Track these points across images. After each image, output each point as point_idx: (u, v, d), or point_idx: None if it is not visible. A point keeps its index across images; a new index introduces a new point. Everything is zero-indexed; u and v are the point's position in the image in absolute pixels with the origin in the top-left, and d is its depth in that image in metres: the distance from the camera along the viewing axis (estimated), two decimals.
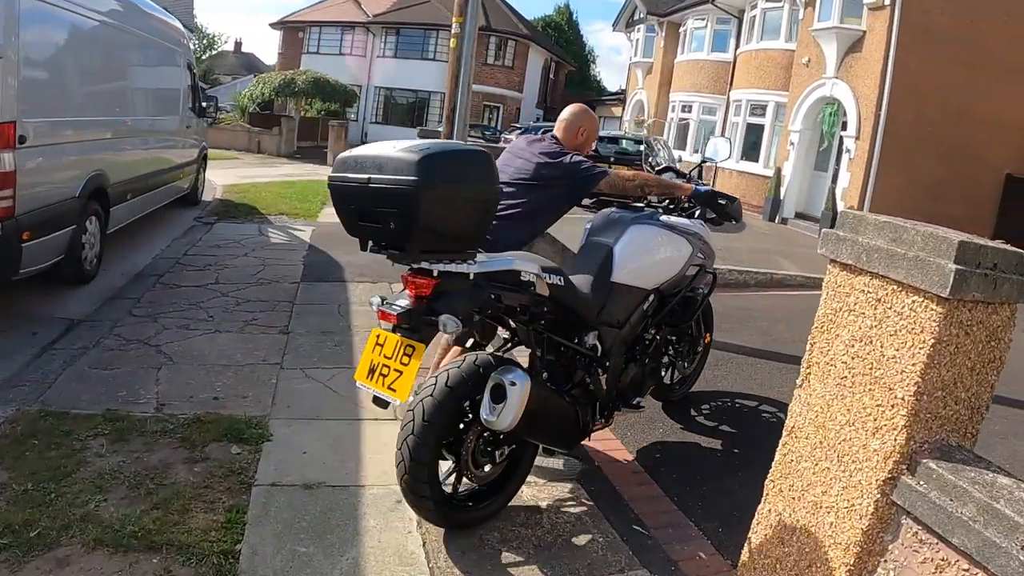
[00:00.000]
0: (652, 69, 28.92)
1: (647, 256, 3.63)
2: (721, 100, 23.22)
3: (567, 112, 3.97)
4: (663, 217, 3.86)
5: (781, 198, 17.63)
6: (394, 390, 2.61)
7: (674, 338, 4.27)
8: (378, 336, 2.71)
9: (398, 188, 2.39)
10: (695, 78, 24.61)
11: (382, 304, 2.68)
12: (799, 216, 17.46)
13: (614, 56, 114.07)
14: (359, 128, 36.80)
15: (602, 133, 19.33)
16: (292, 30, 40.39)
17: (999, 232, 16.58)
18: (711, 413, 4.78)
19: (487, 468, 3.01)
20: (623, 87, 36.19)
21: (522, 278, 2.85)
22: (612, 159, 15.69)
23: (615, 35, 49.03)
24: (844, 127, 16.08)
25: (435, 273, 2.61)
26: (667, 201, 4.05)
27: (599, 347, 3.38)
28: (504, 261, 2.81)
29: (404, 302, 2.65)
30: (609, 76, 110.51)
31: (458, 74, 8.21)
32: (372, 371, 2.69)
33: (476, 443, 2.91)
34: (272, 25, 41.93)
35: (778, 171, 17.79)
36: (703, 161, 4.60)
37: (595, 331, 3.33)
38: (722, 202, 3.88)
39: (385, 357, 2.67)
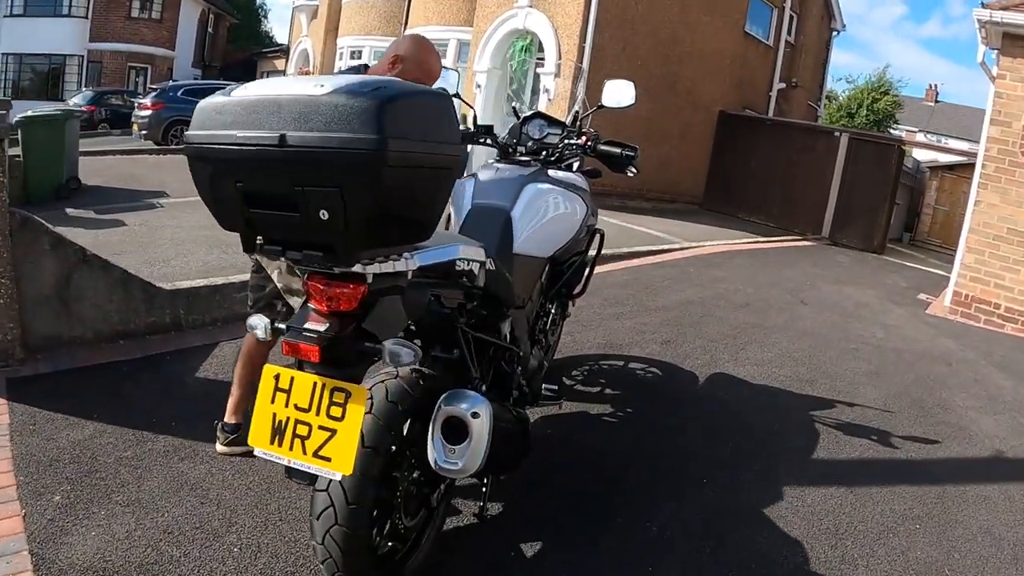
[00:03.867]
0: (318, 13, 25.45)
1: (546, 219, 3.04)
2: None
3: None
4: (553, 173, 3.26)
5: (469, 150, 14.71)
6: (327, 458, 1.82)
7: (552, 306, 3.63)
8: (278, 377, 1.91)
9: (344, 152, 1.57)
10: (365, 19, 21.31)
11: (285, 331, 1.86)
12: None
13: (289, 13, 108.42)
14: None
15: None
16: None
17: (714, 171, 15.45)
18: (585, 377, 4.30)
19: (415, 517, 2.28)
20: (284, 40, 32.15)
21: (457, 267, 2.16)
22: None
23: None
24: (542, 63, 13.58)
25: (368, 278, 1.80)
26: (544, 151, 3.43)
27: (507, 335, 2.78)
28: (448, 249, 2.10)
29: (319, 325, 1.83)
30: (284, 33, 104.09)
31: None
32: (278, 432, 1.89)
33: (407, 485, 2.20)
34: None
35: (463, 117, 14.88)
36: (599, 107, 3.50)
37: (508, 318, 2.75)
38: (628, 152, 3.39)
39: (298, 409, 1.88)
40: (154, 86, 23.61)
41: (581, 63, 12.61)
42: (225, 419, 3.10)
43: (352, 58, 21.82)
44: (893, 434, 3.96)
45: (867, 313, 7.29)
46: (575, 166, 3.57)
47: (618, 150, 3.38)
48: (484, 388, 2.41)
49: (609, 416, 3.79)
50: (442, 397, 2.10)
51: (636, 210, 13.28)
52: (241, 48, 41.79)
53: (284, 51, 30.74)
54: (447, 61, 17.09)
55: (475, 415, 2.08)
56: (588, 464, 3.27)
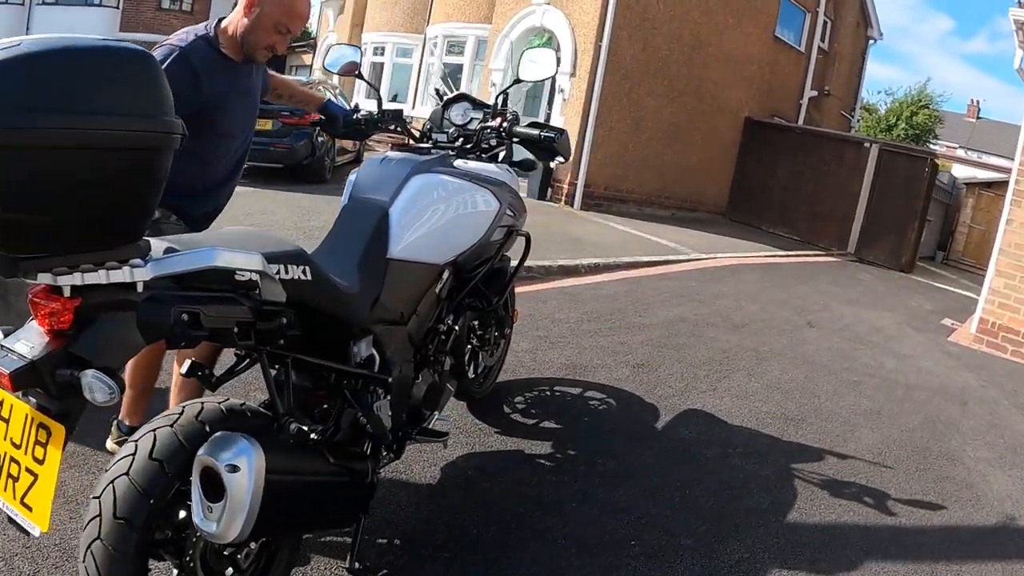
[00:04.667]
0: (344, 7, 25.16)
1: (438, 218, 2.56)
2: (418, 40, 19.66)
3: None
4: (458, 162, 2.79)
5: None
6: (29, 507, 1.52)
7: (477, 322, 3.31)
8: (0, 404, 1.58)
9: None
10: (390, 15, 20.91)
11: None
12: None
13: None
14: None
15: None
16: None
17: (738, 181, 14.81)
18: (528, 406, 3.73)
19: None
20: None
21: (237, 277, 1.70)
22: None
23: None
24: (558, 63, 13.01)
25: (65, 291, 1.45)
26: (462, 139, 2.98)
27: (377, 357, 2.29)
28: (198, 254, 1.65)
29: (27, 344, 1.48)
30: None
31: None
32: None
33: (202, 545, 1.76)
34: None
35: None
36: (516, 82, 3.06)
37: (369, 336, 2.24)
38: (548, 135, 2.89)
39: (13, 444, 1.57)
40: None
41: (597, 63, 12.03)
42: (121, 417, 2.73)
43: (375, 55, 21.40)
44: (883, 493, 3.35)
45: (880, 339, 6.63)
46: (501, 155, 3.08)
47: (536, 132, 2.88)
48: (295, 427, 1.89)
49: (543, 457, 3.22)
50: (208, 439, 1.70)
51: (652, 218, 12.69)
52: None
53: (312, 46, 30.53)
54: (464, 59, 16.62)
55: (232, 469, 1.64)
56: (496, 514, 2.71)
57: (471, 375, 3.54)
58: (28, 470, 1.56)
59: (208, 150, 2.51)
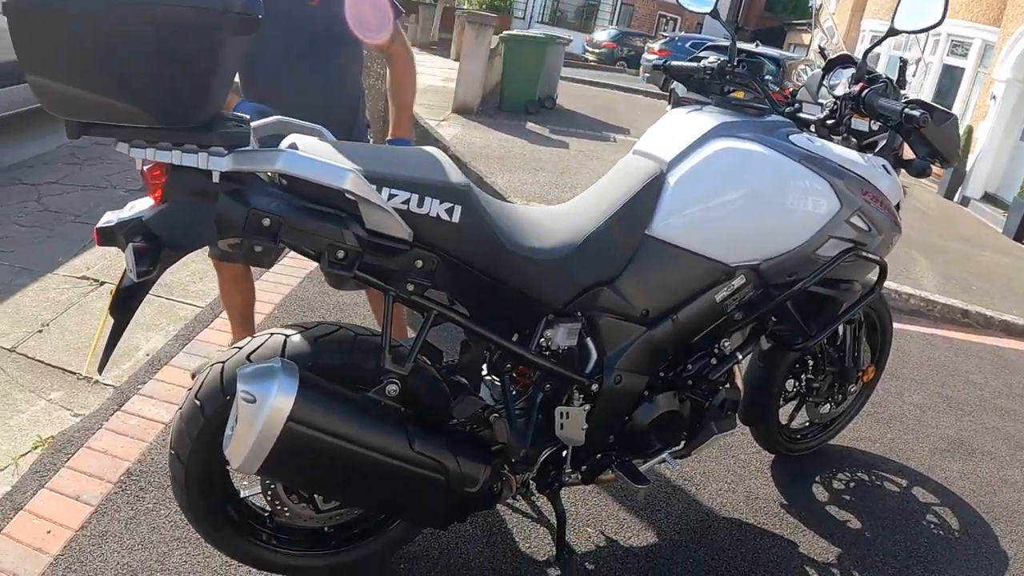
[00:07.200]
0: None
1: (734, 200, 2.00)
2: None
3: None
4: (797, 137, 2.11)
5: (967, 168, 12.90)
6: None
7: (810, 361, 2.82)
8: None
9: None
10: (892, 3, 19.82)
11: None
12: (987, 198, 12.74)
13: None
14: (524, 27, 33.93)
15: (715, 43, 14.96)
16: None
17: None
18: (844, 489, 3.09)
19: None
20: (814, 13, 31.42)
21: (348, 196, 1.53)
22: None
23: None
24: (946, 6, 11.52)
25: (139, 164, 1.49)
26: (828, 111, 2.29)
27: (593, 353, 1.95)
28: (270, 155, 1.49)
29: (129, 211, 1.50)
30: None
31: None
32: None
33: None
34: None
35: (969, 131, 13.08)
36: (891, 32, 2.32)
37: (575, 323, 1.89)
38: (913, 112, 2.00)
39: None
40: (665, 34, 25.67)
41: None
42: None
43: (871, 43, 20.72)
44: None
45: None
46: (879, 146, 2.34)
47: (898, 107, 2.05)
48: (393, 389, 1.71)
49: (817, 565, 2.62)
50: (253, 363, 1.68)
51: None
52: (775, 16, 42.13)
53: (812, 25, 30.14)
54: (967, 63, 15.39)
55: (248, 399, 1.55)
56: None
57: (788, 423, 3.04)
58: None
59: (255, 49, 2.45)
